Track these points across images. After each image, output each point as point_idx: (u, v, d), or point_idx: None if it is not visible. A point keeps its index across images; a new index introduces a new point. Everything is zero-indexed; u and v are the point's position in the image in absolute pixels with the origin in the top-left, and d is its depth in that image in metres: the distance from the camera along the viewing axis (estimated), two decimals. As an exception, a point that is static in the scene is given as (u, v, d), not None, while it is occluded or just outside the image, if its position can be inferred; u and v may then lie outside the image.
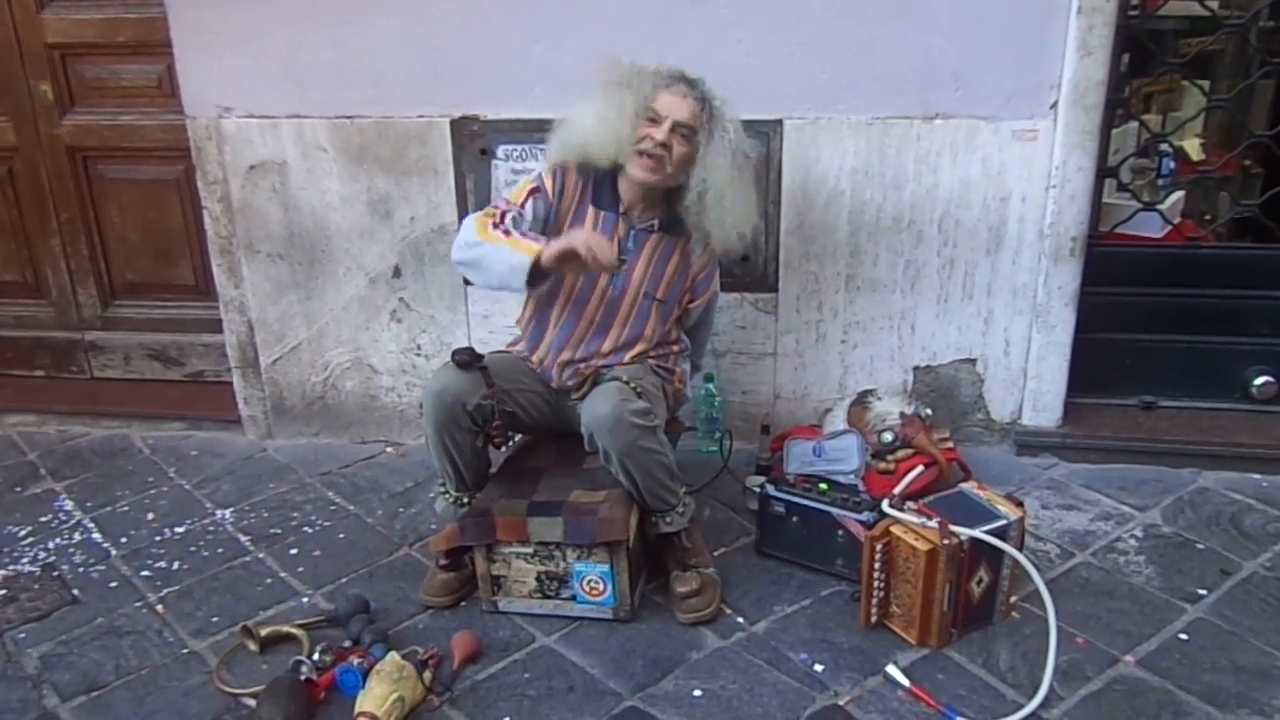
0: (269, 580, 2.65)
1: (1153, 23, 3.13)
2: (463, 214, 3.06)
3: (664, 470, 2.36)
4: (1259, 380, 3.10)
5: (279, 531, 2.88)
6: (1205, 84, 3.29)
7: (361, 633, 2.31)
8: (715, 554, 2.63)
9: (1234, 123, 3.43)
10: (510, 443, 2.56)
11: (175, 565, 2.73)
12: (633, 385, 2.33)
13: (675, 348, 2.61)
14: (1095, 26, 2.69)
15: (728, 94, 2.82)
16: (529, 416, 2.53)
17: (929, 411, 2.91)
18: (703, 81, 2.42)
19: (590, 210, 2.48)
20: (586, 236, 2.25)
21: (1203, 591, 2.47)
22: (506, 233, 2.32)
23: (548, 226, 2.46)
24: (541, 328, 2.55)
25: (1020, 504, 2.36)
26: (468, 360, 2.39)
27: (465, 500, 2.51)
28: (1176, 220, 3.18)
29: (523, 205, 2.43)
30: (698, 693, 2.17)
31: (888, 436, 2.79)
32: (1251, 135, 3.16)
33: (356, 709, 2.05)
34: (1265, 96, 3.61)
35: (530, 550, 2.37)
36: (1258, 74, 3.17)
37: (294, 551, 2.77)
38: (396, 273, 3.18)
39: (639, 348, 2.52)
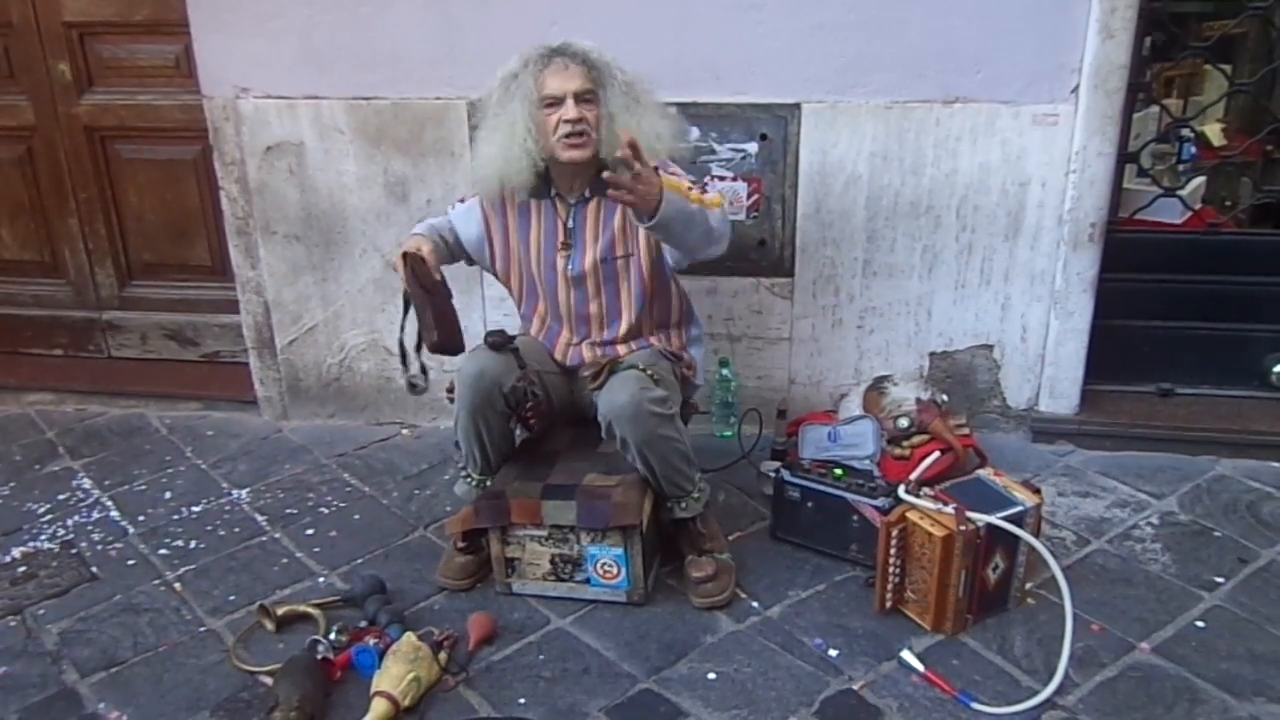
0: (285, 560, 2.67)
1: (1175, 5, 3.09)
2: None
3: (681, 458, 2.36)
4: (1278, 368, 3.09)
5: (295, 512, 2.90)
6: (1228, 68, 3.24)
7: (377, 613, 2.32)
8: (730, 538, 2.64)
9: (1256, 108, 3.39)
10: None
11: (192, 544, 2.75)
12: (650, 373, 2.32)
13: (678, 333, 2.59)
14: (1118, 9, 2.66)
15: (746, 77, 2.82)
16: (551, 398, 2.51)
17: (945, 397, 2.90)
18: (571, 42, 2.33)
19: (532, 204, 2.45)
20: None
21: (1220, 579, 2.46)
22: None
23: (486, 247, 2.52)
24: (541, 324, 2.57)
25: (1037, 490, 2.36)
26: (501, 342, 2.38)
27: (487, 484, 2.51)
28: (1197, 206, 3.15)
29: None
30: (712, 676, 2.18)
31: (903, 422, 2.78)
32: (1274, 120, 3.11)
33: (373, 689, 2.07)
34: (1288, 81, 3.57)
35: (544, 533, 2.38)
36: (1281, 58, 3.14)
37: (310, 532, 2.79)
38: (412, 255, 3.18)
39: (634, 315, 2.48)
